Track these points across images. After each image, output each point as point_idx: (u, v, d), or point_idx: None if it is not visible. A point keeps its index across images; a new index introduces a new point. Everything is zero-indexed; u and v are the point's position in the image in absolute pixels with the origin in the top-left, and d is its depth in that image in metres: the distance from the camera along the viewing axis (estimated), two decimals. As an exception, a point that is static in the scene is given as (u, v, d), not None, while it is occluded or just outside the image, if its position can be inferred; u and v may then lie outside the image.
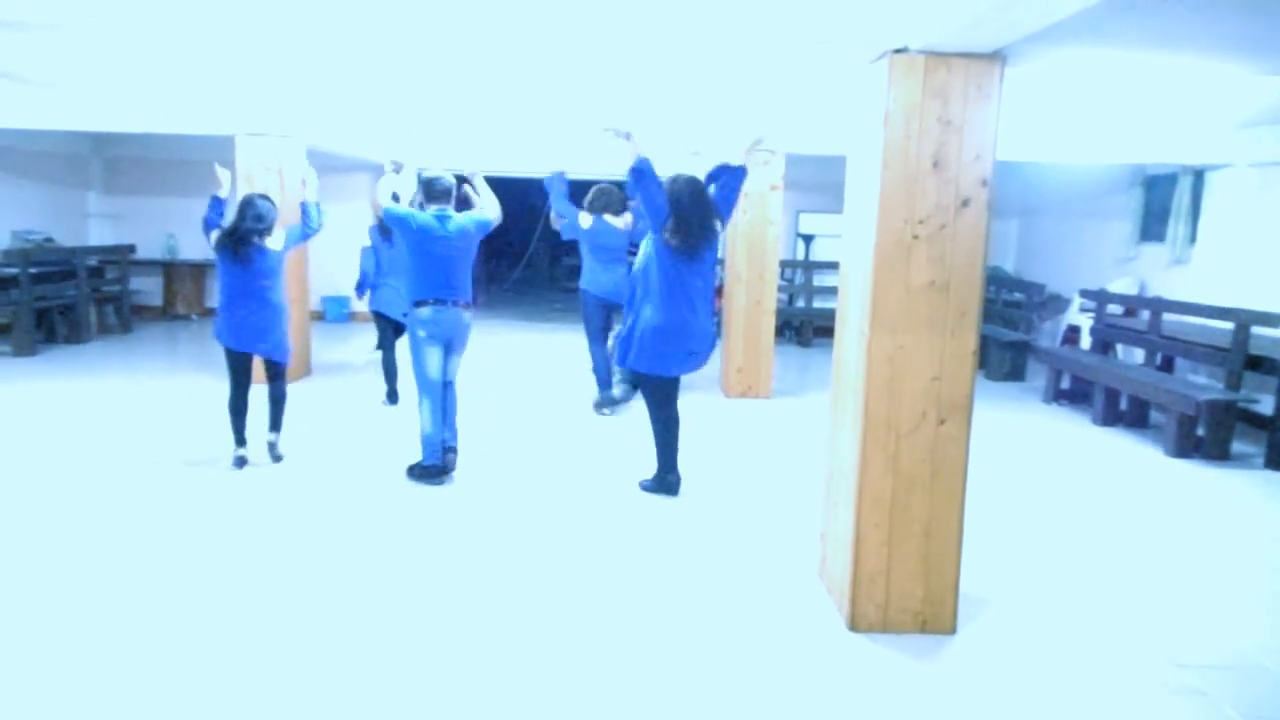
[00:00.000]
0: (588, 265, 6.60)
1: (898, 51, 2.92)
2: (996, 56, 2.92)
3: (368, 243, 6.72)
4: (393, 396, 6.73)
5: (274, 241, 5.00)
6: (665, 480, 4.75)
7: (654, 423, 4.72)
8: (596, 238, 6.55)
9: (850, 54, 3.22)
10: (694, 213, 4.41)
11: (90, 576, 3.57)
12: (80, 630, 3.12)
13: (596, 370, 6.69)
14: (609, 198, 6.66)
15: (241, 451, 5.06)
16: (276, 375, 5.19)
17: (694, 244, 4.43)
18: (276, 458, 5.18)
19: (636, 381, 4.78)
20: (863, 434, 3.14)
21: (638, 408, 6.60)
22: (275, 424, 5.22)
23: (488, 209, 4.95)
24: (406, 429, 5.61)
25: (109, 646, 3.01)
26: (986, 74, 2.93)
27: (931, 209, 3.01)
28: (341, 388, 7.29)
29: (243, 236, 4.86)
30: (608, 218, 6.65)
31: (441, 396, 4.84)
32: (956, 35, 2.72)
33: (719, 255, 4.80)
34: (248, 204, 4.94)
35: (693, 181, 4.50)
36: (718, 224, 4.60)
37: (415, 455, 4.96)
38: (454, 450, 5.02)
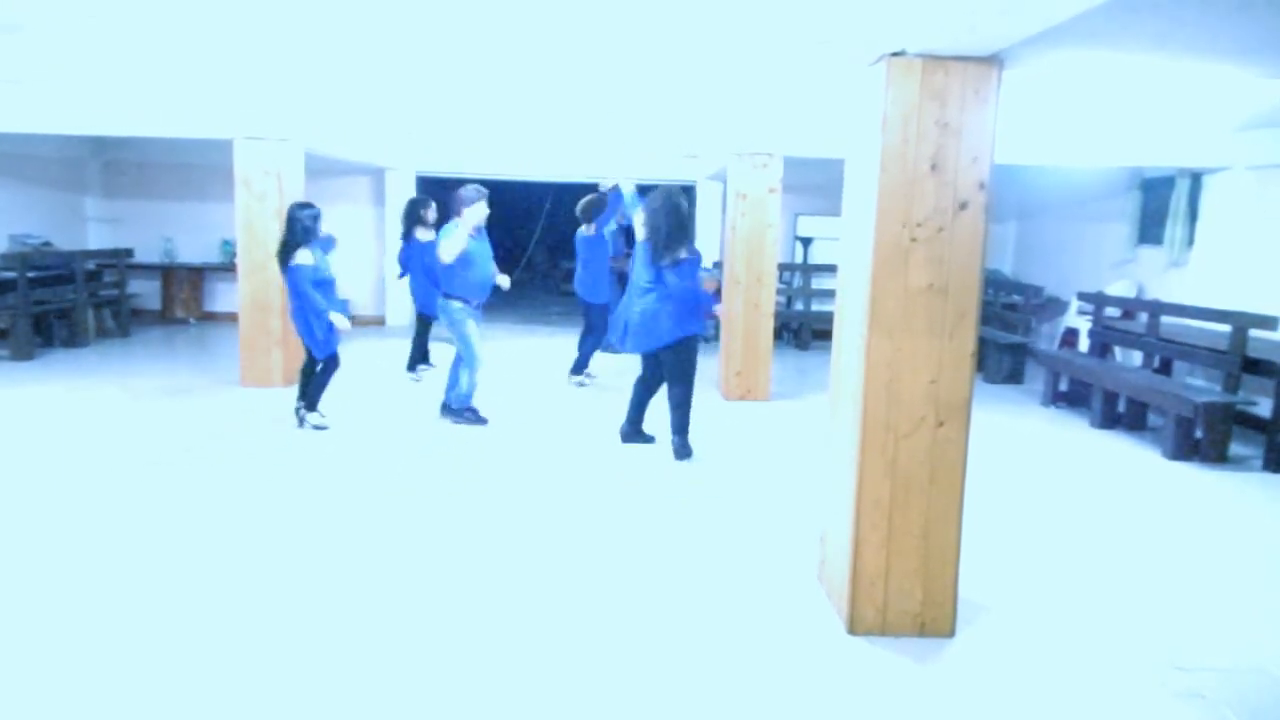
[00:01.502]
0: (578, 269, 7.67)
1: (895, 54, 2.92)
2: (994, 60, 2.93)
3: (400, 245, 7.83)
4: (424, 361, 7.92)
5: (302, 256, 5.50)
6: (672, 442, 5.52)
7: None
8: (581, 245, 7.58)
9: (848, 57, 3.22)
10: (663, 221, 5.12)
11: (93, 573, 3.56)
12: (85, 628, 3.11)
13: (581, 353, 7.73)
14: (588, 209, 7.52)
15: (306, 411, 5.89)
16: (307, 355, 6.00)
17: (656, 247, 5.16)
18: (299, 421, 5.95)
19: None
20: (861, 436, 3.14)
21: (622, 396, 6.63)
22: (300, 394, 5.99)
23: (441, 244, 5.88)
24: (404, 410, 5.66)
25: (117, 642, 3.01)
26: (984, 77, 2.94)
27: (929, 212, 3.01)
28: (346, 380, 7.27)
29: (289, 250, 5.54)
30: (583, 229, 7.58)
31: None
32: (954, 39, 2.72)
33: (700, 257, 5.38)
34: (291, 219, 5.56)
35: (670, 193, 5.19)
36: (686, 237, 5.25)
37: (413, 438, 5.59)
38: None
